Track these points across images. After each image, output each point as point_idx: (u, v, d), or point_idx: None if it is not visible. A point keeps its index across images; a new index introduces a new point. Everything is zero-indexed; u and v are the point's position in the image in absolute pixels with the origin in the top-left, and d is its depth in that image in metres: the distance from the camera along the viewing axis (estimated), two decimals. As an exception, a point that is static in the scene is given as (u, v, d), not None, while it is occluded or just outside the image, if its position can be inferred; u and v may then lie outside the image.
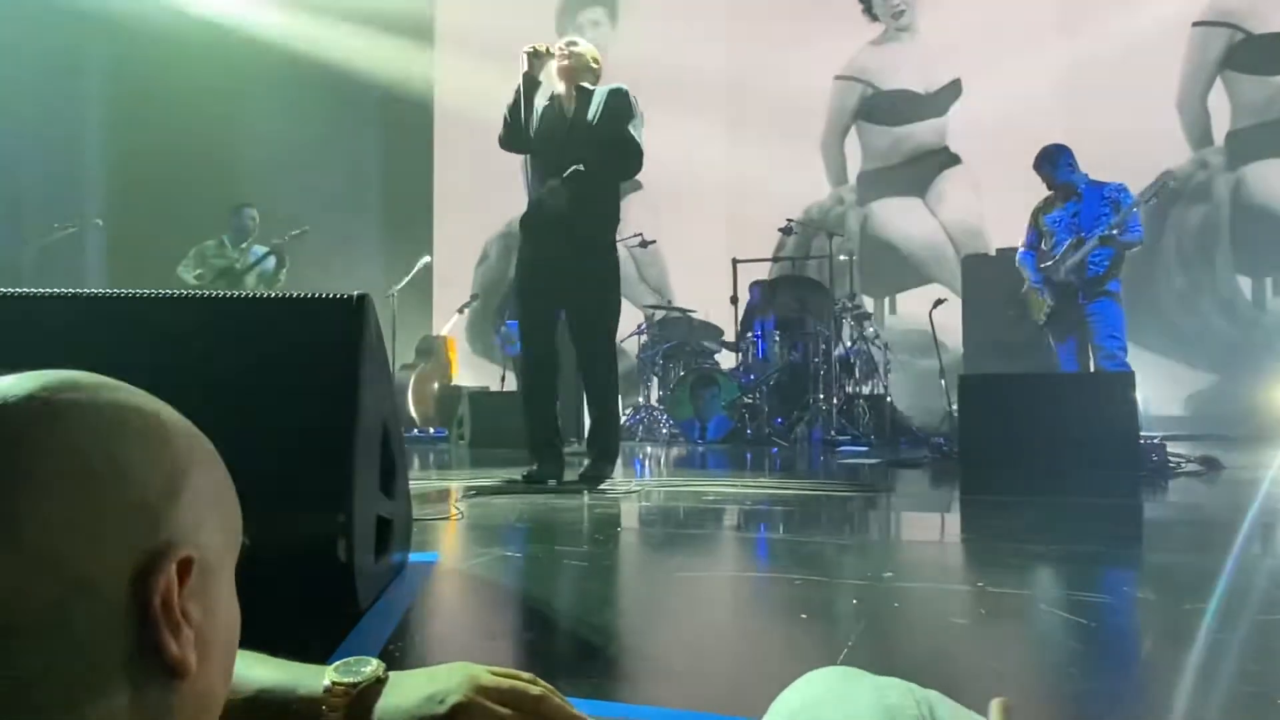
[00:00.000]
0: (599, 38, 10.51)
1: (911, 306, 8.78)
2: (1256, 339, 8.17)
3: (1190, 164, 8.44)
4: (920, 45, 9.60)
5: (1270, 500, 3.42)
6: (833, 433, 6.77)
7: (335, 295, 1.60)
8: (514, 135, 4.03)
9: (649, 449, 6.66)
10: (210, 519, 0.53)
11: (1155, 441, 4.61)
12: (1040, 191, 5.51)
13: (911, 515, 3.30)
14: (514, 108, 4.02)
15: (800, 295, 7.65)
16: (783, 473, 4.85)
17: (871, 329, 7.51)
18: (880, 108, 9.70)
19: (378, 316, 1.69)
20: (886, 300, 9.44)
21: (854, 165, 9.78)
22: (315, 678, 0.71)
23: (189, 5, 8.87)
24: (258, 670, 0.70)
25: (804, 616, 1.71)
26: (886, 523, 3.13)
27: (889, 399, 7.24)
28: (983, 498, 3.32)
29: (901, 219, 9.53)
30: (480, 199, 10.19)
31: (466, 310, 9.50)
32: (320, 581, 1.49)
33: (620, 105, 4.00)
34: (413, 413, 8.61)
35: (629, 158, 3.97)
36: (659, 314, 8.07)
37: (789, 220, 7.78)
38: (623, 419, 8.14)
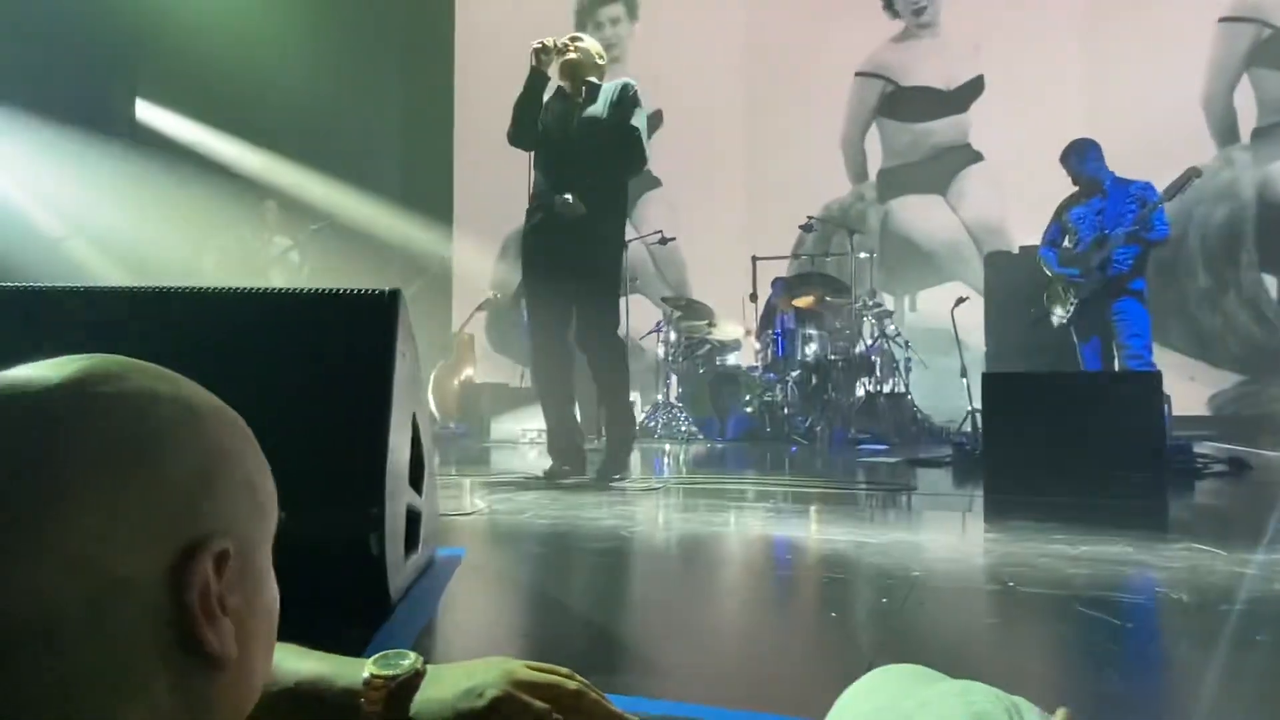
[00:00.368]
0: (618, 34, 10.50)
1: (932, 304, 8.72)
2: (1282, 338, 8.08)
3: (1216, 161, 8.34)
4: (942, 42, 9.53)
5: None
6: (853, 431, 6.74)
7: (368, 290, 1.60)
8: (522, 131, 4.04)
9: (668, 447, 6.66)
10: (245, 503, 0.53)
11: (1181, 442, 4.57)
12: (1064, 190, 5.46)
13: (936, 514, 3.28)
14: (522, 104, 4.02)
15: (820, 293, 7.63)
16: (803, 471, 4.83)
17: (892, 327, 7.47)
18: (901, 104, 9.64)
19: (409, 311, 1.70)
20: (907, 298, 9.39)
21: (874, 162, 9.73)
22: (354, 670, 0.71)
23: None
24: (296, 662, 0.70)
25: (833, 615, 1.71)
26: (910, 522, 3.11)
27: (910, 397, 7.21)
28: (1007, 497, 3.29)
29: (922, 216, 9.48)
30: (500, 196, 10.19)
31: (486, 307, 9.53)
32: (352, 575, 1.50)
33: (626, 99, 3.98)
34: (434, 408, 8.65)
35: (634, 155, 3.95)
36: (678, 311, 8.05)
37: (809, 217, 7.75)
38: (641, 416, 8.15)
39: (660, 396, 7.75)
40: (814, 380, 7.16)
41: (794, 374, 7.14)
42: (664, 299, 8.43)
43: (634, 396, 8.55)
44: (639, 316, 8.27)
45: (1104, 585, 1.94)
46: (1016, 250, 7.33)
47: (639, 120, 3.95)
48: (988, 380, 3.97)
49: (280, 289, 1.85)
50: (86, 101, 8.21)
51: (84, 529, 0.45)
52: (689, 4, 10.21)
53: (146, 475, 0.47)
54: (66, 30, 7.62)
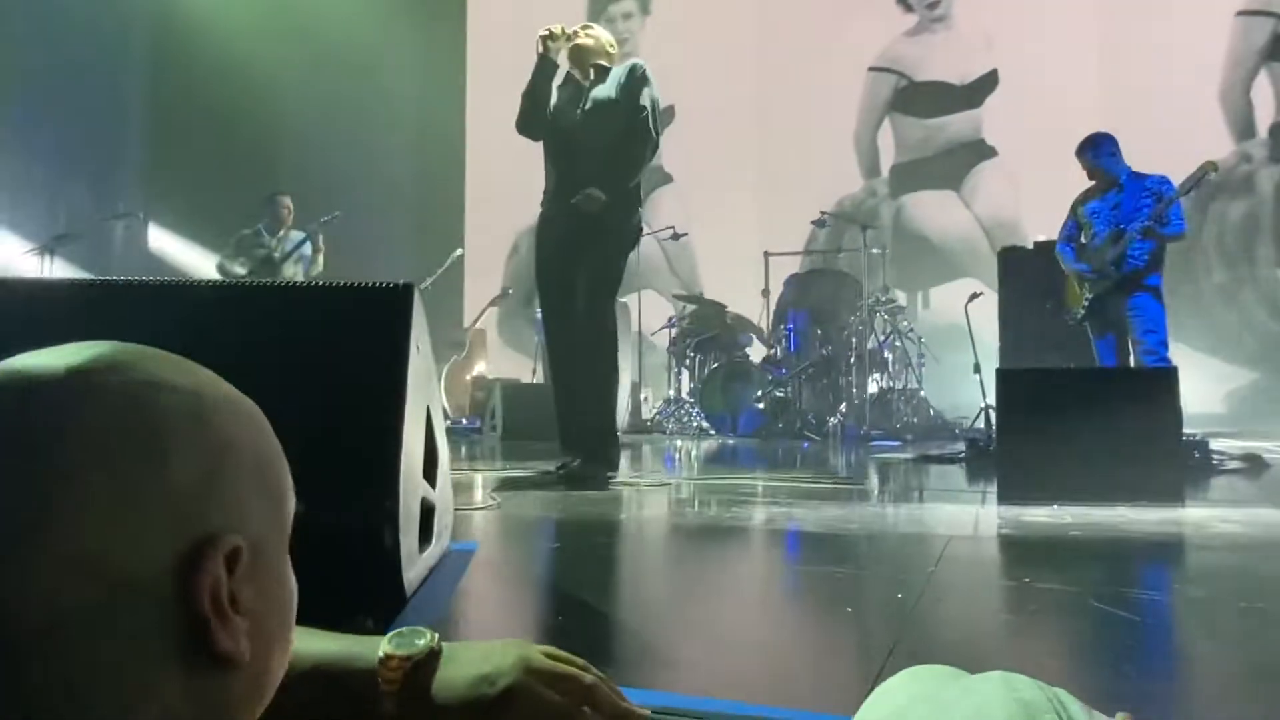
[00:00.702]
0: (630, 29, 10.48)
1: (945, 300, 8.68)
2: (1298, 335, 8.01)
3: (1233, 156, 8.27)
4: (955, 36, 9.48)
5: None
6: (866, 427, 6.72)
7: (381, 284, 1.60)
8: (531, 119, 4.00)
9: (679, 442, 6.65)
10: (258, 496, 0.51)
11: (1197, 439, 4.53)
12: (1079, 185, 5.41)
13: (950, 510, 3.26)
14: (531, 91, 3.98)
15: (832, 288, 7.60)
16: (815, 467, 4.82)
17: (905, 323, 7.44)
18: (914, 99, 9.60)
19: (422, 305, 1.70)
20: (920, 294, 9.35)
21: (887, 158, 9.69)
22: (370, 650, 0.70)
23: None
24: (312, 643, 0.69)
25: (849, 610, 1.70)
26: (924, 518, 3.10)
27: (922, 393, 7.17)
28: (1022, 493, 3.27)
29: (935, 212, 9.44)
30: (512, 191, 10.20)
31: (499, 303, 9.54)
32: (366, 568, 1.50)
33: (634, 79, 3.92)
34: (445, 404, 8.67)
35: (642, 135, 3.88)
36: (690, 307, 8.04)
37: (821, 213, 7.71)
38: (653, 412, 8.14)
39: (672, 392, 7.75)
40: (826, 376, 7.14)
41: (806, 370, 7.12)
42: (676, 295, 8.42)
43: (645, 393, 8.58)
44: (651, 312, 8.28)
45: (1121, 581, 1.93)
46: (1031, 245, 7.29)
47: (646, 99, 3.89)
48: (1003, 376, 3.94)
49: (294, 282, 1.86)
50: (105, 95, 8.28)
51: (85, 525, 0.43)
52: (701, -1, 10.19)
53: (150, 469, 0.46)
54: (85, 29, 7.68)
